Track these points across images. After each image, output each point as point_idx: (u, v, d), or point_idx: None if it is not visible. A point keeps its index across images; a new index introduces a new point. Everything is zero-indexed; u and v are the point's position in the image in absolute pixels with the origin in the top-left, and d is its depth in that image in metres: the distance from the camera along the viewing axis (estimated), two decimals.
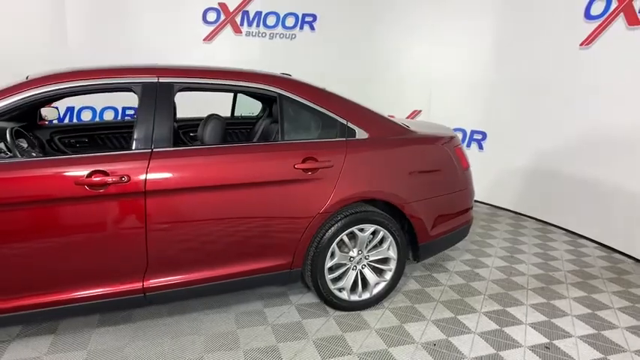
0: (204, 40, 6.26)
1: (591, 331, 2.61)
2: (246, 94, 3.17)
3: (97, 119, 5.98)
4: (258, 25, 6.37)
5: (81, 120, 5.87)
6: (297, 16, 6.35)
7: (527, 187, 4.90)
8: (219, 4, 6.21)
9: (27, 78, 2.14)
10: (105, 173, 2.01)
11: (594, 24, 4.16)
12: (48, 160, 1.99)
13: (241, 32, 6.35)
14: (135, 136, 2.12)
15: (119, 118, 6.05)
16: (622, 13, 3.93)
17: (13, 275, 1.97)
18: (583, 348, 2.42)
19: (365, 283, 2.71)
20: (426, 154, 2.81)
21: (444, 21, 5.57)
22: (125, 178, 2.03)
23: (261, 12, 6.32)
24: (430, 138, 2.86)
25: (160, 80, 2.23)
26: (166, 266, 2.21)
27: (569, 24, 4.37)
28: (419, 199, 2.71)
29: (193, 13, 6.15)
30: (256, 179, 2.29)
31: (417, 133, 2.84)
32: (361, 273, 2.69)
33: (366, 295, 2.70)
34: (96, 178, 1.98)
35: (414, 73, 5.92)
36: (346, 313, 2.67)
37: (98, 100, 5.87)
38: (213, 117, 2.58)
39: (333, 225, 2.50)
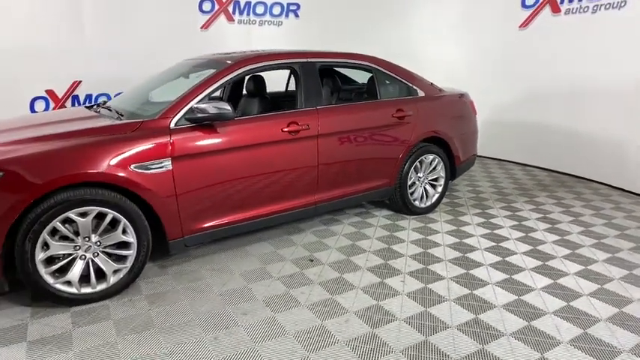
0: (201, 28, 6.92)
1: (562, 209, 4.20)
2: (351, 68, 4.03)
3: None
4: (248, 14, 7.18)
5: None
6: (282, 5, 7.27)
7: (484, 136, 6.50)
8: None
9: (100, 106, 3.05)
10: (297, 123, 3.01)
11: (529, 11, 5.80)
12: (265, 116, 2.95)
13: (234, 20, 7.11)
14: (304, 99, 3.13)
15: None
16: (548, 4, 5.60)
17: (254, 193, 2.92)
18: (564, 217, 3.99)
19: (427, 195, 3.99)
20: (457, 105, 4.14)
21: (414, 9, 6.92)
22: (307, 126, 3.05)
23: (250, 2, 7.13)
24: (457, 94, 4.19)
25: (309, 60, 3.24)
26: (326, 185, 3.27)
27: (510, 11, 5.97)
28: (456, 135, 4.03)
29: (190, 3, 6.76)
30: (373, 124, 3.43)
31: (447, 91, 4.15)
32: (425, 189, 3.97)
33: (428, 203, 3.98)
34: (292, 127, 2.98)
35: (392, 53, 7.17)
36: (417, 216, 3.94)
37: (113, 88, 6.29)
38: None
39: (411, 155, 3.72)
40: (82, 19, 5.87)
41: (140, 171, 2.44)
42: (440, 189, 4.04)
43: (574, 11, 5.32)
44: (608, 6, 4.95)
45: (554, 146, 5.70)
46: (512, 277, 2.84)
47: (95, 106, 3.32)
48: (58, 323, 2.28)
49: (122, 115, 2.81)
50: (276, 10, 7.28)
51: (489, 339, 2.19)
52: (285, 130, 2.96)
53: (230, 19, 7.08)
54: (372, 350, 2.09)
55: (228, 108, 2.60)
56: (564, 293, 2.63)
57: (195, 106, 2.61)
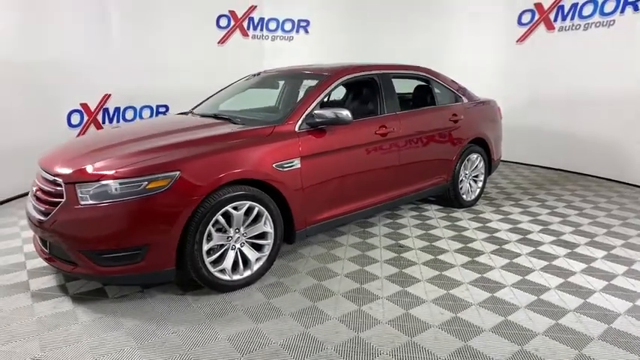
0: (218, 43, 7.21)
1: (580, 198, 4.87)
2: (411, 79, 4.34)
3: (138, 117, 6.52)
4: (262, 30, 7.56)
5: (125, 119, 6.35)
6: (293, 22, 7.70)
7: None
8: (229, 11, 7.22)
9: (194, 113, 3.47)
10: (385, 127, 3.43)
11: (525, 28, 6.58)
12: (363, 120, 3.36)
13: (248, 35, 7.46)
14: (387, 105, 3.56)
15: (154, 115, 6.66)
16: (542, 22, 6.39)
17: (355, 188, 3.30)
18: (585, 204, 4.64)
19: (471, 189, 4.51)
20: (491, 110, 4.72)
21: (417, 24, 7.55)
22: (393, 129, 3.48)
23: (264, 18, 7.51)
24: (490, 100, 4.77)
25: (384, 72, 3.69)
26: (405, 181, 3.71)
27: (508, 28, 6.73)
28: (492, 136, 4.60)
29: (208, 19, 7.05)
30: (438, 127, 3.92)
31: (481, 98, 4.73)
32: (469, 184, 4.49)
33: (473, 196, 4.50)
34: (382, 130, 3.40)
35: None
36: (464, 208, 4.45)
37: (138, 101, 6.43)
38: None
39: (462, 154, 4.24)
40: (111, 36, 6.00)
41: (279, 169, 2.77)
42: (480, 184, 4.58)
43: (567, 28, 6.12)
44: (598, 24, 5.77)
45: (551, 147, 6.45)
46: (574, 250, 3.38)
47: (190, 114, 3.59)
48: (222, 306, 2.54)
49: (239, 122, 3.11)
50: (288, 26, 7.69)
51: (585, 295, 2.69)
52: (378, 132, 3.38)
53: (245, 34, 7.42)
54: (503, 309, 2.52)
55: (346, 113, 2.97)
56: (622, 259, 3.21)
57: (316, 112, 2.98)
